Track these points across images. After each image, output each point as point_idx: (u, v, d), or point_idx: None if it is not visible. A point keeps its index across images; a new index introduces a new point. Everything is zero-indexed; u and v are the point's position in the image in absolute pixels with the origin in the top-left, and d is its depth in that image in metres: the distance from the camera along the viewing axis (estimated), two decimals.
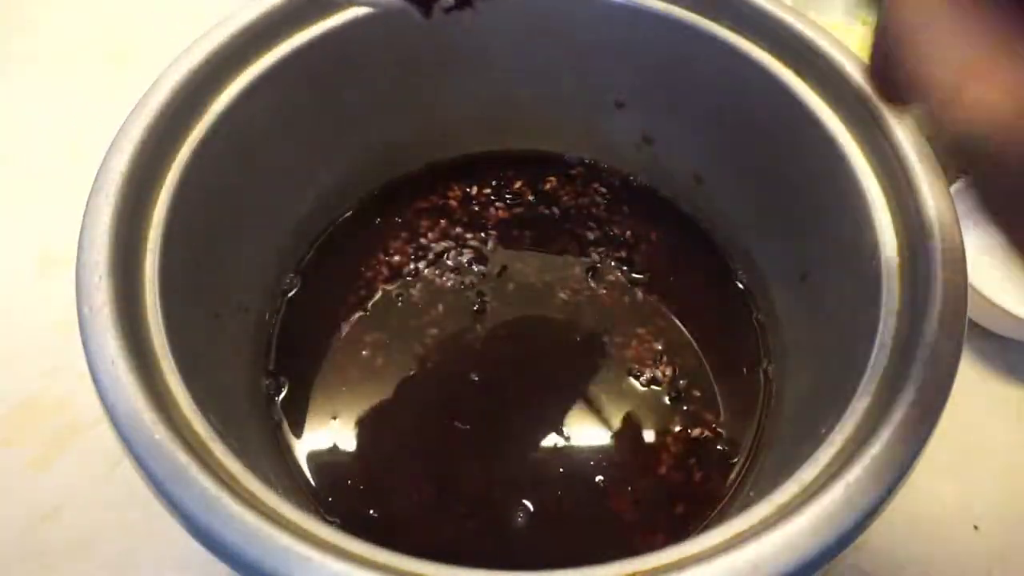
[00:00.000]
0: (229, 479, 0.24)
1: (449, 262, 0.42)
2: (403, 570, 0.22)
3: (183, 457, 0.24)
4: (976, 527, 0.39)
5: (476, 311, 0.40)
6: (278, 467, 0.35)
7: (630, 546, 0.34)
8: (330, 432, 0.37)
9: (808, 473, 0.25)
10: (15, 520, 0.39)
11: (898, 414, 0.25)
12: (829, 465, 0.25)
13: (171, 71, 0.32)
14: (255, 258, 0.38)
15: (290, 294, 0.41)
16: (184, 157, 0.32)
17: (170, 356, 0.27)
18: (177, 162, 0.31)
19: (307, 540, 0.22)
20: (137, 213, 0.30)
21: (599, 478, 0.36)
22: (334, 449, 0.36)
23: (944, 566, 0.39)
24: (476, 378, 0.38)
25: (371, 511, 0.35)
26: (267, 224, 0.39)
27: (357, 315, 0.40)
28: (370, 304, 0.40)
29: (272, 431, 0.36)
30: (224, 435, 0.26)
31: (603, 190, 0.44)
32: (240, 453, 0.26)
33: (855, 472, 0.24)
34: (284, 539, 0.22)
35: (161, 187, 0.31)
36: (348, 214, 0.43)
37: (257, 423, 0.35)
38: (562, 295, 0.41)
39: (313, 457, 0.36)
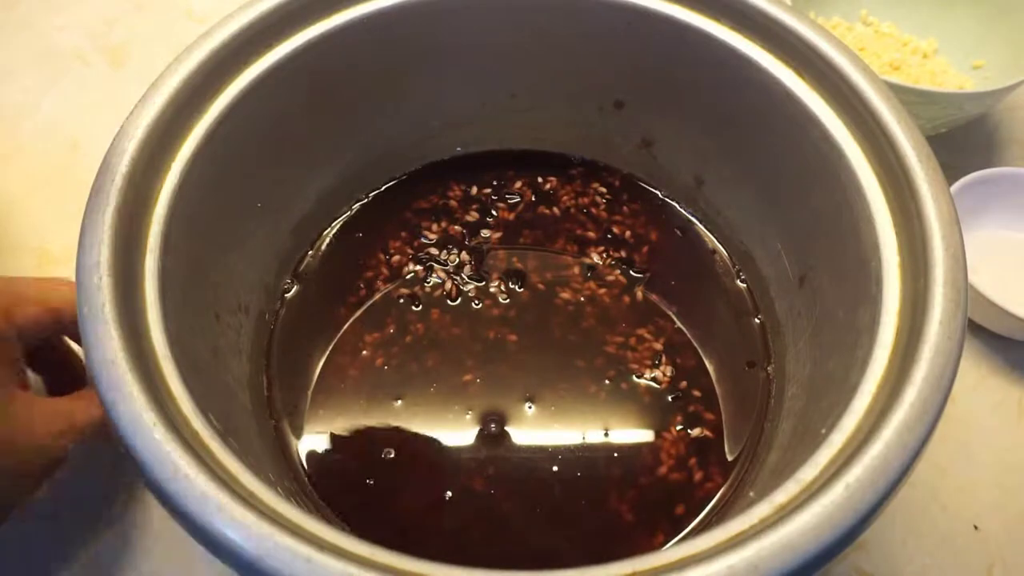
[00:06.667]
0: (229, 479, 0.24)
1: (449, 262, 0.42)
2: (403, 570, 0.22)
3: (183, 457, 0.24)
4: (976, 527, 0.39)
5: (476, 311, 0.40)
6: (278, 467, 0.35)
7: (630, 546, 0.34)
8: (330, 432, 0.37)
9: (808, 473, 0.25)
10: (15, 520, 0.38)
11: (898, 414, 0.24)
12: (829, 465, 0.25)
13: (171, 71, 0.32)
14: (255, 258, 0.38)
15: (290, 294, 0.40)
16: (184, 157, 0.32)
17: (170, 356, 0.27)
18: (177, 162, 0.31)
19: (307, 540, 0.22)
20: (137, 213, 0.29)
21: (599, 478, 0.36)
22: (334, 449, 0.36)
23: (944, 566, 0.38)
24: (476, 377, 0.38)
25: (371, 511, 0.35)
26: (267, 224, 0.39)
27: (357, 315, 0.40)
28: (370, 304, 0.40)
29: (272, 431, 0.36)
30: (224, 435, 0.26)
31: (603, 190, 0.44)
32: (240, 453, 0.26)
33: (855, 472, 0.24)
34: (284, 539, 0.22)
35: (161, 187, 0.31)
36: (348, 214, 0.43)
37: (257, 423, 0.35)
38: (562, 295, 0.41)
39: (313, 457, 0.36)
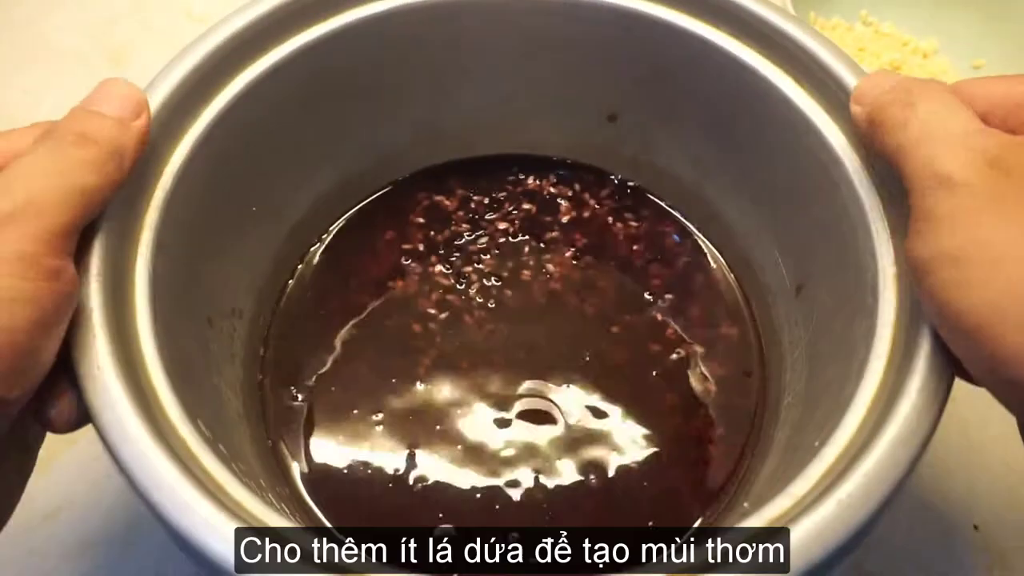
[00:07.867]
0: (216, 489, 0.24)
1: (447, 266, 0.41)
2: None
3: (168, 467, 0.23)
4: (976, 527, 0.39)
5: (476, 314, 0.40)
6: (270, 473, 0.34)
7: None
8: (327, 439, 0.36)
9: (800, 487, 0.24)
10: (15, 520, 0.37)
11: (892, 428, 0.24)
12: (821, 479, 0.24)
13: (165, 74, 0.32)
14: (251, 262, 0.38)
15: (286, 298, 0.40)
16: (177, 162, 0.31)
17: (159, 362, 0.27)
18: (170, 166, 0.31)
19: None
20: (129, 216, 0.29)
21: (591, 483, 0.35)
22: (332, 457, 0.36)
23: (944, 566, 0.38)
24: (478, 381, 0.38)
25: (370, 521, 0.34)
26: (263, 228, 0.38)
27: (355, 319, 0.40)
28: (369, 308, 0.40)
29: (265, 436, 0.36)
30: (214, 442, 0.26)
31: (602, 196, 0.44)
32: (229, 460, 0.26)
33: (846, 488, 0.23)
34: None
35: (154, 191, 0.30)
36: (345, 218, 0.43)
37: (250, 429, 0.35)
38: (561, 299, 0.40)
39: (310, 465, 0.36)
